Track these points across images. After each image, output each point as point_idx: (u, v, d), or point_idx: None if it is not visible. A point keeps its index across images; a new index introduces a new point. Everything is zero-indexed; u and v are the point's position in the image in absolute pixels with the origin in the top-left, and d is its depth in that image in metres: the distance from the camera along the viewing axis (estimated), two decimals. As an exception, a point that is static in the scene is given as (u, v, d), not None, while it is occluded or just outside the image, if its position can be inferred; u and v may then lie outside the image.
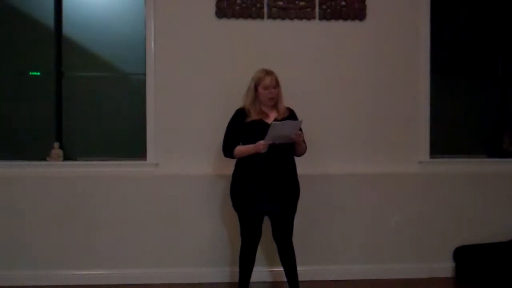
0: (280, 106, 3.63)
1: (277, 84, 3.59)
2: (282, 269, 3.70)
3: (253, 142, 3.49)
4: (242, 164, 3.62)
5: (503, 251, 4.34)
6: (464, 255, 4.35)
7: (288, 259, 3.63)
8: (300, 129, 3.57)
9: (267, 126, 3.46)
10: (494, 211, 4.46)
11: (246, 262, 3.67)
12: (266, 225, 3.67)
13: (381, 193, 4.38)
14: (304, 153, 3.70)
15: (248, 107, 3.62)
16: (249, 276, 3.70)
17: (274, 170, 3.52)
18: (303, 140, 3.63)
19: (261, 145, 3.44)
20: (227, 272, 4.26)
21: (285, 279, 3.73)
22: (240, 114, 3.64)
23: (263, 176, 3.52)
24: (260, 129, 3.47)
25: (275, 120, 3.56)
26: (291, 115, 3.65)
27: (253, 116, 3.58)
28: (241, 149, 3.59)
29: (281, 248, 3.63)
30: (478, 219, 4.45)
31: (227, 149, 3.64)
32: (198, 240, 4.27)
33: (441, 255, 4.43)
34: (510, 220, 4.48)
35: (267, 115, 3.61)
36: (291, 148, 3.60)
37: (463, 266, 4.34)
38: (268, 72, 3.60)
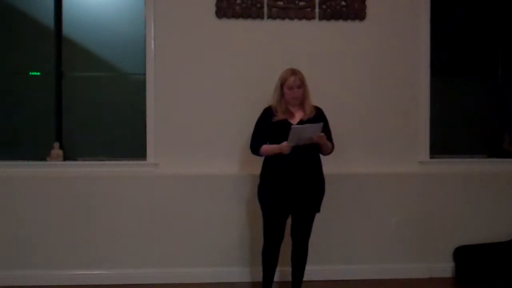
0: (306, 106, 3.62)
1: (302, 84, 3.59)
2: (288, 269, 3.70)
3: (278, 141, 3.50)
4: (269, 164, 3.63)
5: (503, 251, 4.34)
6: (464, 255, 4.35)
7: (300, 258, 3.66)
8: (328, 128, 3.61)
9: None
10: (494, 211, 4.46)
11: (269, 262, 3.67)
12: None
13: (381, 193, 4.38)
14: (330, 152, 3.69)
15: (274, 106, 3.64)
16: (273, 275, 3.71)
17: (299, 169, 3.52)
18: (331, 139, 3.65)
19: (284, 147, 3.45)
20: (227, 271, 4.26)
21: (290, 279, 3.74)
22: (266, 113, 3.66)
23: (289, 175, 3.52)
24: (284, 129, 3.46)
25: (301, 120, 3.57)
26: (317, 114, 3.64)
27: (279, 115, 3.59)
28: (266, 149, 3.61)
29: (296, 246, 3.65)
30: (478, 219, 4.45)
31: (254, 147, 3.67)
32: (198, 240, 4.27)
33: (441, 255, 4.43)
34: (510, 220, 4.48)
35: (292, 115, 3.61)
36: (316, 147, 3.60)
37: (463, 266, 4.34)
38: (294, 72, 3.60)
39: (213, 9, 4.30)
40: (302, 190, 3.54)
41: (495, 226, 4.46)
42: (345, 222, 4.35)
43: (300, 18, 4.34)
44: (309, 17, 4.34)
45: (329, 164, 4.31)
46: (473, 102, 4.74)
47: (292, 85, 3.56)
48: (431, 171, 4.44)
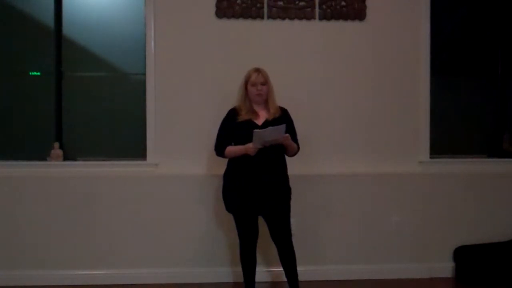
0: (270, 105, 3.62)
1: (265, 81, 3.60)
2: (281, 269, 3.69)
3: (243, 142, 3.50)
4: (233, 165, 3.63)
5: (503, 251, 4.34)
6: (464, 255, 4.35)
7: (288, 259, 3.62)
8: (293, 129, 3.61)
9: (257, 126, 3.50)
10: (494, 211, 4.46)
11: (247, 262, 3.68)
12: (265, 226, 3.67)
13: (381, 193, 4.38)
14: (296, 153, 3.69)
15: (239, 106, 3.64)
16: (253, 276, 3.70)
17: (264, 170, 3.52)
18: (296, 140, 3.65)
19: (250, 149, 3.45)
20: (227, 272, 4.26)
21: (284, 279, 3.72)
22: (231, 114, 3.66)
23: (253, 177, 3.52)
24: (249, 129, 3.47)
25: (266, 120, 3.58)
26: (282, 115, 3.64)
27: (244, 115, 3.59)
28: (231, 150, 3.60)
29: (281, 248, 3.62)
30: (478, 219, 4.45)
31: (219, 149, 3.67)
32: (198, 240, 4.27)
33: (441, 255, 4.43)
34: (510, 220, 4.48)
35: (257, 115, 3.61)
36: (281, 149, 3.60)
37: (463, 266, 4.34)
38: (257, 69, 3.62)
39: (213, 9, 4.30)
40: (266, 192, 3.52)
41: (495, 226, 4.46)
42: (345, 221, 4.35)
43: (300, 18, 4.34)
44: (309, 17, 4.34)
45: (328, 164, 4.34)
46: (473, 102, 4.74)
47: (255, 81, 3.57)
48: (431, 171, 4.44)
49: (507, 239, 4.45)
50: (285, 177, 3.64)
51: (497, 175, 4.49)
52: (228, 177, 3.67)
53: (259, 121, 3.58)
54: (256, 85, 3.57)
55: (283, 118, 3.61)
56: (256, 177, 3.52)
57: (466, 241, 4.42)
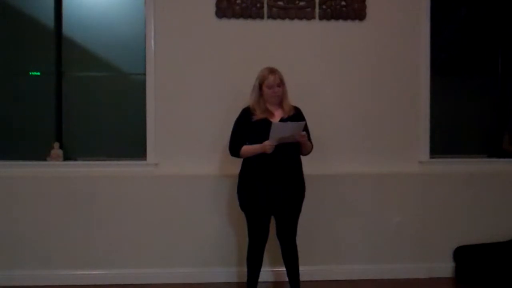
0: (285, 105, 3.63)
1: (281, 83, 3.60)
2: (283, 269, 3.70)
3: (259, 141, 3.49)
4: (249, 164, 3.61)
5: (503, 251, 4.34)
6: (464, 255, 4.36)
7: (291, 258, 3.63)
8: (306, 127, 3.60)
9: None
10: (494, 211, 4.46)
11: (254, 262, 3.66)
12: (271, 224, 3.67)
13: (381, 193, 4.38)
14: (310, 151, 3.70)
15: (253, 106, 3.62)
16: (257, 276, 3.69)
17: (280, 169, 3.52)
18: (310, 139, 3.64)
19: (267, 146, 3.44)
20: (227, 272, 4.26)
21: (286, 279, 3.73)
22: (245, 113, 3.65)
23: (270, 176, 3.51)
24: (265, 128, 3.45)
25: (281, 118, 3.58)
26: (296, 113, 3.65)
27: (259, 115, 3.58)
28: (247, 149, 3.58)
29: (285, 247, 3.63)
30: (478, 219, 4.45)
31: (234, 149, 3.64)
32: (198, 240, 4.27)
33: (441, 255, 4.43)
34: (510, 220, 4.48)
35: (272, 114, 3.61)
36: (297, 148, 3.59)
37: (463, 266, 4.34)
38: (272, 71, 3.60)
39: (213, 9, 4.30)
40: (283, 191, 3.52)
41: (495, 226, 4.46)
42: (345, 222, 4.35)
43: (300, 18, 4.34)
44: (309, 17, 4.34)
45: (328, 164, 4.33)
46: (473, 102, 4.74)
47: (272, 83, 3.56)
48: (431, 171, 4.44)
49: (507, 239, 4.45)
50: (301, 176, 3.64)
51: (497, 175, 4.49)
52: (243, 176, 3.65)
53: (275, 120, 3.57)
54: (273, 87, 3.57)
55: (298, 116, 3.62)
56: (273, 177, 3.51)
57: (466, 241, 4.42)
